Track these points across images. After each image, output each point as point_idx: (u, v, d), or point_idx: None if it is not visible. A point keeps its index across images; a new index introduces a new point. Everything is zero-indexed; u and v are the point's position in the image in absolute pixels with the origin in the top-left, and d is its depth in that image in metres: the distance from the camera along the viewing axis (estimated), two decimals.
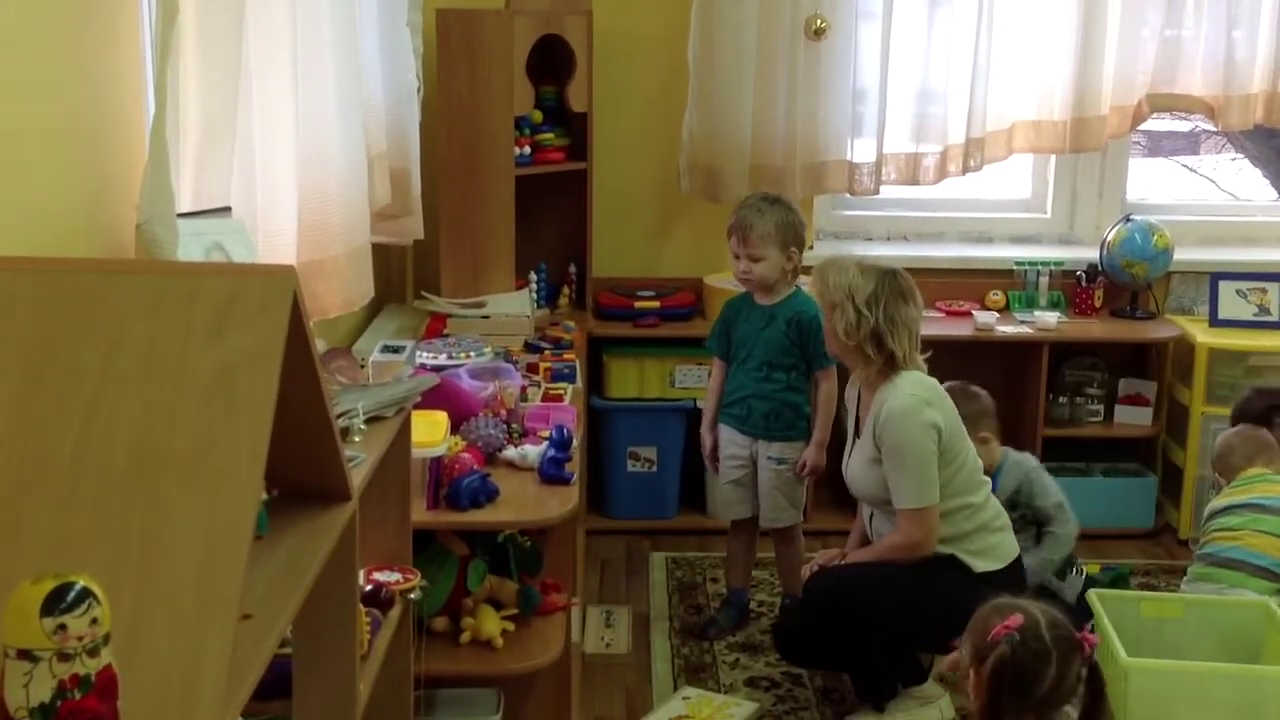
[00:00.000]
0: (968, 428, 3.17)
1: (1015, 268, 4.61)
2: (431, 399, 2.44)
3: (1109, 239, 4.50)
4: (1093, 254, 4.57)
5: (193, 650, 1.13)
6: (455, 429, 2.80)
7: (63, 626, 1.01)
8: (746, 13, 4.25)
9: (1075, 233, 4.82)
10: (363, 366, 2.82)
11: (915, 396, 3.05)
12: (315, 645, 1.68)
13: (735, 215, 3.61)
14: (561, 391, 3.34)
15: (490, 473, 2.71)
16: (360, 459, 1.85)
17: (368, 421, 1.98)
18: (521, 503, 2.69)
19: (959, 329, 4.38)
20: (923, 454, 3.02)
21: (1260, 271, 4.55)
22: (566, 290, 4.43)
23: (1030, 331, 4.36)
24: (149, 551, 1.18)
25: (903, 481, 3.04)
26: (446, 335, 3.67)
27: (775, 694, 3.40)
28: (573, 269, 4.44)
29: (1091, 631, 2.30)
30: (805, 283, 3.58)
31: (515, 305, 3.97)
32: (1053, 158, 4.74)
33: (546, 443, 2.82)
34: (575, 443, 2.84)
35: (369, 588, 2.03)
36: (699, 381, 4.29)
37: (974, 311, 4.47)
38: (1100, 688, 2.24)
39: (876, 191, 4.49)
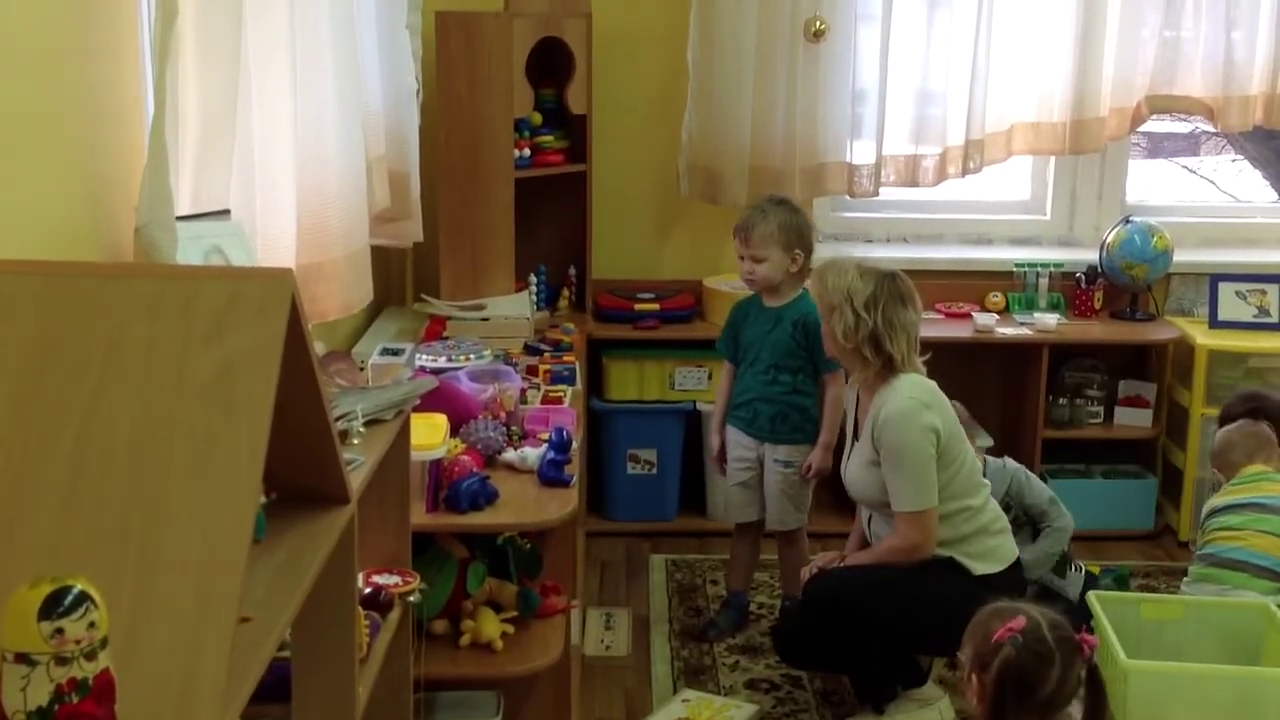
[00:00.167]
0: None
1: (1015, 269, 4.61)
2: (431, 401, 2.44)
3: (1109, 240, 4.50)
4: (1092, 256, 4.57)
5: (191, 653, 1.13)
6: (455, 431, 2.80)
7: (60, 630, 1.01)
8: (746, 15, 4.25)
9: (1075, 234, 4.82)
10: (362, 369, 2.82)
11: (913, 399, 3.05)
12: (314, 648, 1.67)
13: (740, 216, 3.63)
14: (561, 394, 3.34)
15: (490, 475, 2.71)
16: (359, 462, 1.85)
17: (367, 424, 1.98)
18: (521, 505, 2.69)
19: (959, 331, 4.38)
20: (921, 457, 3.02)
21: (1260, 273, 4.55)
22: (566, 292, 4.43)
23: (1030, 333, 4.36)
24: (147, 554, 1.18)
25: (901, 484, 3.04)
26: (446, 338, 3.67)
27: (775, 696, 3.40)
28: (572, 271, 4.44)
29: (1090, 633, 2.30)
30: None
31: (515, 308, 3.97)
32: (1052, 159, 4.74)
33: (546, 445, 2.82)
34: (575, 445, 2.84)
35: (368, 590, 2.03)
36: (699, 384, 4.29)
37: (974, 313, 4.47)
38: (1100, 689, 2.24)
39: (876, 193, 4.49)
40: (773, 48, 4.29)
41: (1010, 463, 3.64)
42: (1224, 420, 3.69)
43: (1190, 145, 7.04)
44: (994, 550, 3.11)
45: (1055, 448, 4.44)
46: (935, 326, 4.26)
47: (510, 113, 3.97)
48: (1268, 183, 5.31)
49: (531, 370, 3.52)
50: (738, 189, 4.35)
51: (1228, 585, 3.26)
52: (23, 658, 1.01)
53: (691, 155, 4.37)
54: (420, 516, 2.52)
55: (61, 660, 1.01)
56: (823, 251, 4.37)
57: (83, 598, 1.02)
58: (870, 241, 4.75)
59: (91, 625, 1.03)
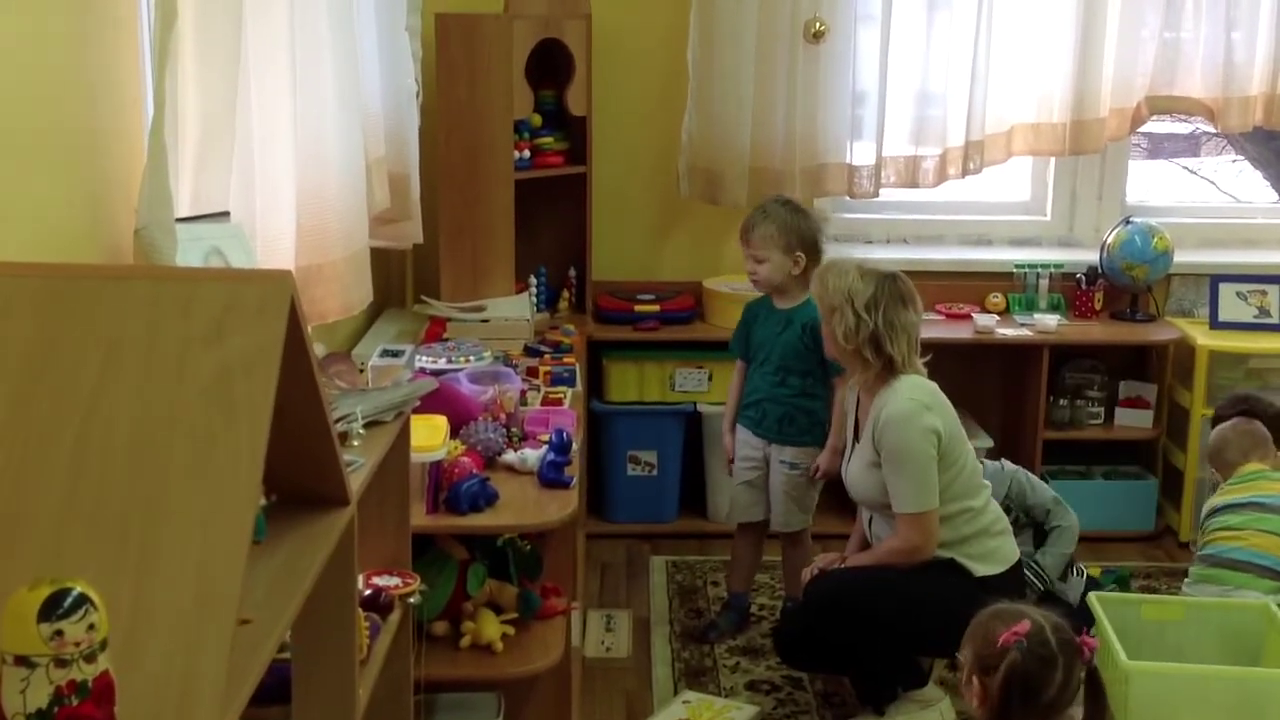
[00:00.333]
0: None
1: (1015, 270, 4.61)
2: (431, 403, 2.43)
3: (1109, 241, 4.50)
4: (1093, 256, 4.57)
5: (191, 655, 1.12)
6: (455, 433, 2.79)
7: (59, 632, 1.01)
8: (745, 16, 4.25)
9: (1075, 235, 4.82)
10: (362, 371, 2.82)
11: (914, 401, 3.05)
12: (314, 650, 1.67)
13: (746, 215, 3.65)
14: (561, 395, 3.34)
15: (490, 477, 2.70)
16: (359, 463, 1.85)
17: (366, 426, 1.98)
18: (521, 507, 2.68)
19: (959, 332, 4.38)
20: (922, 458, 3.02)
21: (1260, 274, 4.55)
22: (566, 294, 4.43)
23: (1030, 334, 4.36)
24: (147, 556, 1.18)
25: (902, 486, 3.04)
26: (446, 339, 3.67)
27: (776, 697, 3.40)
28: (572, 272, 4.44)
29: (1089, 635, 2.30)
30: None
31: (515, 309, 3.97)
32: (1052, 160, 4.74)
33: (546, 447, 2.82)
34: (575, 446, 2.84)
35: (368, 592, 2.03)
36: (699, 385, 4.29)
37: (974, 314, 4.47)
38: (1100, 691, 2.23)
39: (876, 194, 4.49)
40: (773, 49, 4.29)
41: (1009, 465, 3.64)
42: (1216, 422, 3.69)
43: (1190, 146, 7.05)
44: (995, 552, 3.11)
45: (1056, 449, 4.43)
46: (935, 327, 4.25)
47: (510, 114, 3.97)
48: (1268, 183, 5.31)
49: (531, 372, 3.52)
50: (738, 190, 4.35)
51: (1230, 585, 3.25)
52: (22, 660, 1.01)
53: (691, 156, 4.37)
54: (420, 518, 2.52)
55: (61, 662, 1.01)
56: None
57: (82, 600, 1.02)
58: (870, 242, 4.75)
59: (91, 627, 1.02)
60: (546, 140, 4.21)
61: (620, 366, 4.33)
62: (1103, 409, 4.50)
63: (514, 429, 2.98)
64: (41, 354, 1.28)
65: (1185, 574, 3.46)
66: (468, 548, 2.76)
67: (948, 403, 3.12)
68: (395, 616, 2.05)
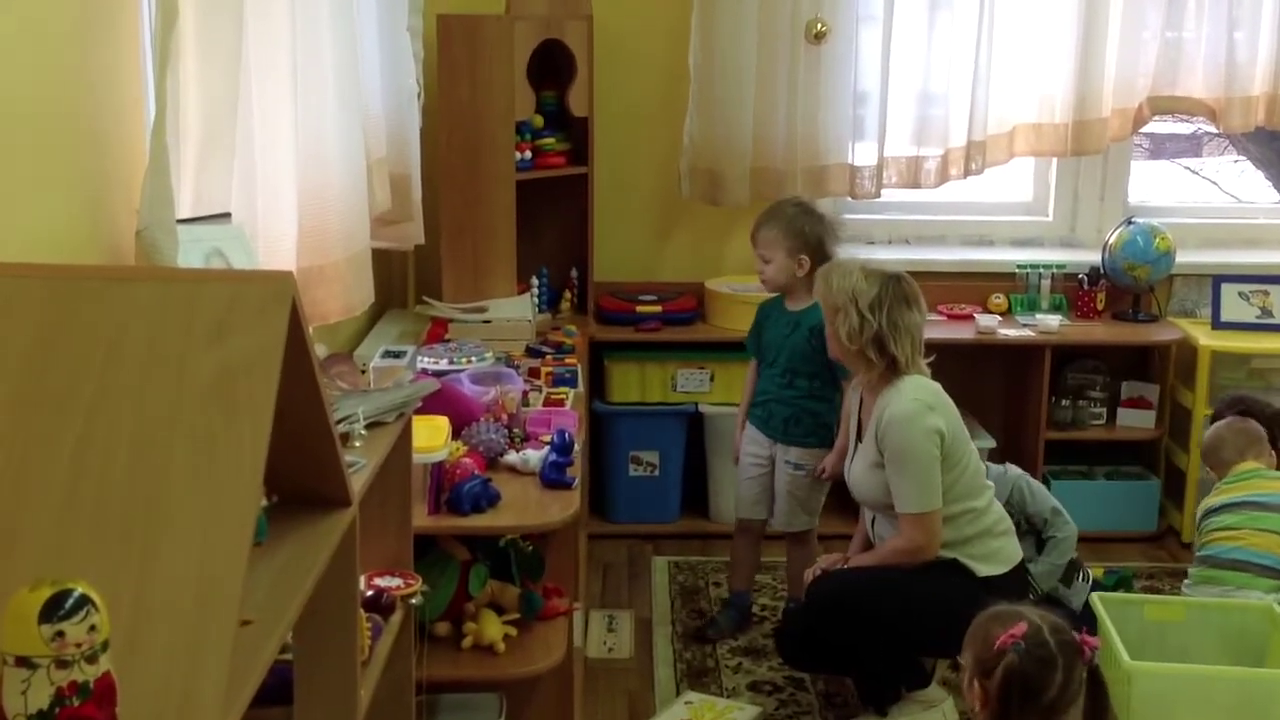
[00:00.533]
0: None
1: (1017, 271, 4.61)
2: (433, 404, 2.43)
3: (1111, 242, 4.50)
4: (1094, 257, 4.57)
5: (192, 656, 1.12)
6: (457, 434, 2.79)
7: (61, 633, 1.01)
8: (747, 16, 4.25)
9: (1077, 235, 4.81)
10: (364, 372, 2.83)
11: (918, 401, 3.05)
12: (316, 651, 1.67)
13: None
14: (563, 396, 3.34)
15: (491, 478, 2.70)
16: (361, 464, 1.85)
17: (368, 427, 1.97)
18: (523, 507, 2.68)
19: (961, 332, 4.38)
20: (925, 459, 3.01)
21: (1262, 274, 4.55)
22: (568, 295, 4.43)
23: (1032, 335, 4.35)
24: (148, 556, 1.17)
25: (905, 486, 3.04)
26: (448, 340, 3.67)
27: (778, 698, 3.39)
28: (574, 273, 4.44)
29: (1091, 635, 2.29)
30: None
31: (517, 310, 3.97)
32: (1054, 160, 4.74)
33: (548, 447, 2.82)
34: (577, 447, 2.84)
35: (370, 593, 2.03)
36: (700, 385, 4.29)
37: (976, 315, 4.47)
38: (1101, 691, 2.23)
39: (878, 195, 4.49)
40: (774, 49, 4.29)
41: (1012, 469, 3.62)
42: (1213, 422, 3.69)
43: (1192, 146, 7.04)
44: (998, 552, 3.11)
45: (1058, 449, 4.43)
46: (937, 328, 4.25)
47: (511, 115, 3.97)
48: (1270, 183, 5.31)
49: (533, 372, 3.51)
50: (739, 191, 4.35)
51: (1230, 586, 3.25)
52: (23, 661, 1.01)
53: (693, 157, 4.37)
54: (422, 519, 2.51)
55: (62, 663, 1.01)
56: None
57: (83, 601, 1.02)
58: (872, 243, 4.75)
59: (92, 628, 1.02)
60: (548, 141, 4.21)
61: (622, 367, 4.33)
62: (1105, 409, 4.49)
63: (516, 430, 2.97)
64: (43, 355, 1.28)
65: (1187, 574, 3.46)
66: (470, 548, 2.76)
67: (951, 403, 3.12)
68: (397, 617, 2.05)
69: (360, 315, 3.01)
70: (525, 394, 3.21)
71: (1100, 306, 4.55)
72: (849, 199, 4.52)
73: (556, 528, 2.73)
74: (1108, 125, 4.45)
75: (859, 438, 3.24)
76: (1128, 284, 4.50)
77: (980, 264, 4.66)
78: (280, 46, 2.30)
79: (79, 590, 1.02)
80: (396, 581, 2.11)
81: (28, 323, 1.30)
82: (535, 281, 4.28)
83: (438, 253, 4.06)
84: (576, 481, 2.78)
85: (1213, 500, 3.44)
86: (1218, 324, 4.46)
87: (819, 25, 4.25)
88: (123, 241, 1.96)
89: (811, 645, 3.24)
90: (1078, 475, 4.50)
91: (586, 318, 4.37)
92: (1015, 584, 3.05)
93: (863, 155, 4.44)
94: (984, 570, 3.06)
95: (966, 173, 4.48)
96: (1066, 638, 2.22)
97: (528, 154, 4.12)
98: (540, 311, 4.23)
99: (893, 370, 3.09)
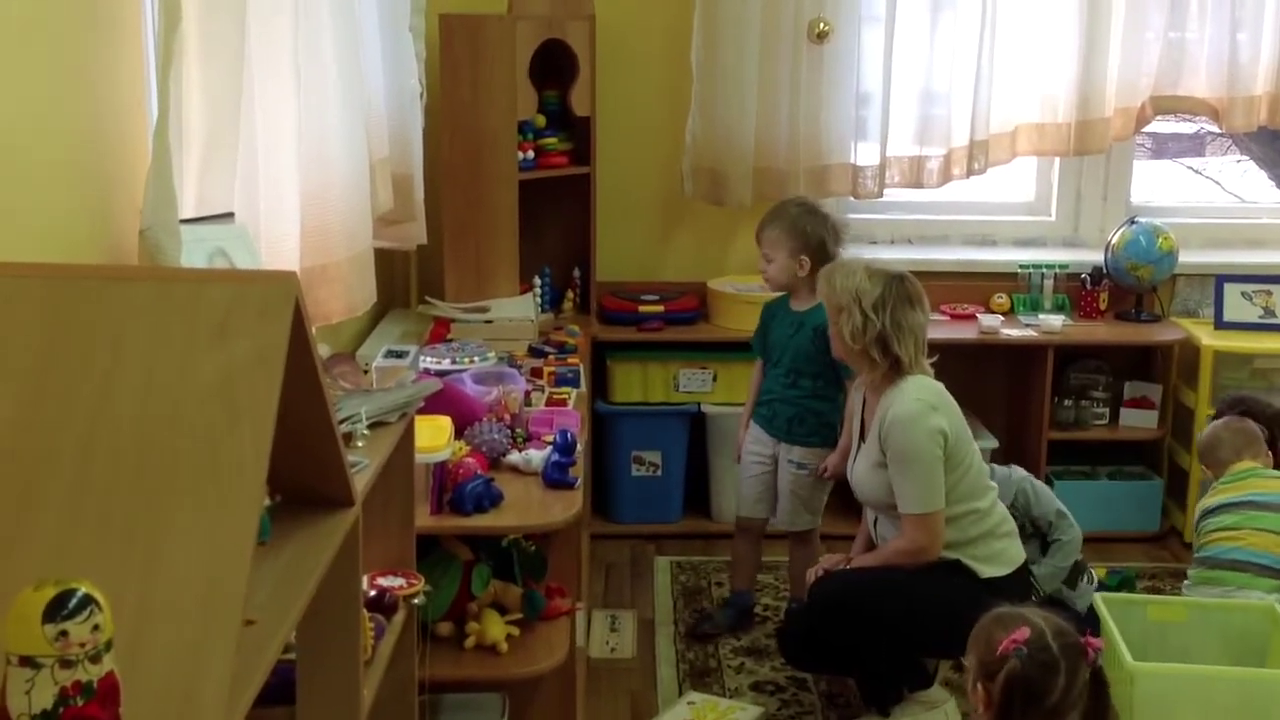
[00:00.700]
0: None
1: (1020, 271, 4.61)
2: (435, 404, 2.43)
3: (1114, 242, 4.50)
4: (1097, 257, 4.57)
5: (196, 656, 1.12)
6: (459, 434, 2.80)
7: (64, 633, 1.01)
8: (749, 16, 4.25)
9: (1080, 235, 4.81)
10: (366, 371, 2.83)
11: (921, 401, 3.04)
12: (319, 651, 1.67)
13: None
14: (565, 396, 3.34)
15: (494, 477, 2.71)
16: (363, 464, 1.85)
17: (371, 427, 1.97)
18: (525, 507, 2.68)
19: (963, 332, 4.38)
20: (928, 459, 3.01)
21: (1265, 274, 4.54)
22: (570, 294, 4.43)
23: (1035, 334, 4.35)
24: (152, 557, 1.17)
25: (908, 486, 3.04)
26: (450, 340, 3.67)
27: (780, 698, 3.39)
28: (576, 273, 4.44)
29: (1094, 636, 2.29)
30: None
31: (519, 310, 3.97)
32: (1057, 160, 4.74)
33: (550, 447, 2.82)
34: (579, 447, 2.84)
35: (373, 593, 2.03)
36: (703, 385, 4.29)
37: (978, 315, 4.47)
38: (1104, 692, 2.22)
39: (880, 195, 4.49)
40: (776, 49, 4.29)
41: (1018, 472, 3.61)
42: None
43: (1195, 146, 7.04)
44: (1001, 553, 3.10)
45: (1060, 449, 4.43)
46: (940, 328, 4.25)
47: (514, 115, 3.97)
48: (1273, 183, 5.31)
49: (536, 372, 3.51)
50: (742, 190, 4.35)
51: (1230, 586, 3.25)
52: (27, 661, 1.01)
53: (695, 157, 4.37)
54: (424, 519, 2.52)
55: (66, 663, 1.01)
56: None
57: (87, 600, 1.02)
58: (875, 243, 4.74)
59: (96, 628, 1.02)
60: (550, 141, 4.21)
61: (624, 367, 4.33)
62: (1108, 409, 4.49)
63: (518, 430, 2.98)
64: (46, 355, 1.28)
65: (1186, 575, 3.45)
66: (472, 548, 2.76)
67: (954, 403, 3.12)
68: (400, 617, 2.06)
69: (363, 315, 3.01)
70: (528, 394, 3.21)
71: (1103, 306, 4.55)
72: (851, 199, 4.51)
73: (559, 527, 2.73)
74: (1110, 125, 4.45)
75: (862, 437, 3.24)
76: (1130, 284, 4.50)
77: (983, 264, 4.66)
78: (283, 47, 2.30)
79: (82, 590, 1.02)
80: (399, 581, 2.11)
81: (31, 323, 1.30)
82: (537, 281, 4.28)
83: (440, 252, 4.06)
84: (579, 481, 2.78)
85: (1210, 500, 3.43)
86: (1220, 324, 4.46)
87: (821, 25, 4.25)
88: (126, 241, 1.96)
89: (814, 645, 3.24)
90: (1080, 475, 4.50)
91: (589, 317, 4.37)
92: (1018, 586, 3.05)
93: (865, 155, 4.43)
94: (987, 571, 3.06)
95: (969, 172, 4.47)
96: (1070, 640, 2.21)
97: (530, 154, 4.12)
98: (542, 311, 4.23)
99: (896, 370, 3.09)
